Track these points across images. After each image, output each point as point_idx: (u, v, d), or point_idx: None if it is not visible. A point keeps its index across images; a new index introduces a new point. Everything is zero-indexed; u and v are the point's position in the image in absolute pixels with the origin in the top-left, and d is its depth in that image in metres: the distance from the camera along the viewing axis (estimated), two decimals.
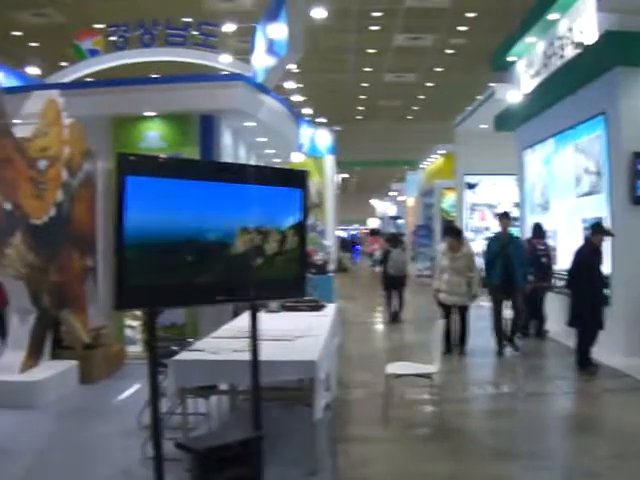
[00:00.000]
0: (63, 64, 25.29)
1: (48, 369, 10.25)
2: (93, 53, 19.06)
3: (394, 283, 18.37)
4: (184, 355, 7.17)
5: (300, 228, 6.13)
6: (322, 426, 7.10)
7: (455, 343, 12.97)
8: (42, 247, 10.24)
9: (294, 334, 7.98)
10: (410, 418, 9.05)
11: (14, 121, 10.34)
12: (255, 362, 5.96)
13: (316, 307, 10.22)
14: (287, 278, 6.16)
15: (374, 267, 34.96)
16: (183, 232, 5.36)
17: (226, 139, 14.16)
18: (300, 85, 33.64)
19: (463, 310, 13.15)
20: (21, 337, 10.23)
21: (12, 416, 9.09)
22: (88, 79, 18.21)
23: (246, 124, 14.68)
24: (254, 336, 5.94)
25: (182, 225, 5.35)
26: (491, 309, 13.42)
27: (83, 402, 10.03)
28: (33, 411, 9.33)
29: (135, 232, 5.08)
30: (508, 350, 13.08)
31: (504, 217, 13.84)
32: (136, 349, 12.75)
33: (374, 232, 47.75)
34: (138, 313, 12.12)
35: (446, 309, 13.07)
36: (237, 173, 6.16)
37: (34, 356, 10.32)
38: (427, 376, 8.68)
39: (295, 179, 6.29)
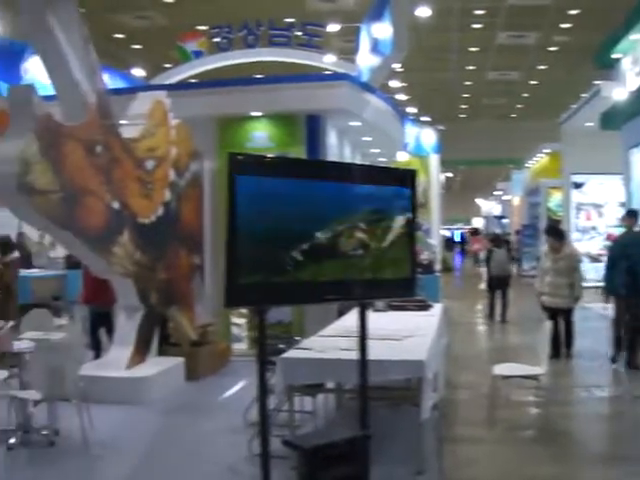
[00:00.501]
0: (166, 66, 25.67)
1: (155, 365, 10.39)
2: (197, 54, 19.31)
3: (497, 283, 18.16)
4: (292, 353, 7.18)
5: (409, 227, 6.08)
6: (429, 426, 7.04)
7: (562, 346, 12.59)
8: (150, 246, 10.40)
9: (402, 334, 7.92)
10: (515, 420, 8.90)
11: (121, 122, 10.54)
12: (363, 361, 5.93)
13: (423, 307, 10.13)
14: (397, 278, 6.11)
15: (478, 267, 34.65)
16: (292, 231, 5.38)
17: (331, 139, 14.15)
18: (404, 84, 33.55)
19: (567, 313, 12.64)
20: (128, 334, 10.38)
21: (119, 412, 9.21)
22: (192, 80, 18.44)
23: (351, 123, 14.65)
24: (363, 335, 5.90)
25: (291, 224, 5.37)
26: (613, 316, 12.47)
27: (189, 398, 10.17)
28: (140, 407, 9.46)
29: (245, 231, 5.12)
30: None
31: (630, 215, 12.71)
32: (242, 346, 12.85)
33: (475, 232, 47.30)
34: (244, 311, 12.24)
35: (551, 312, 12.61)
36: (346, 172, 6.15)
37: (141, 353, 10.46)
38: (533, 378, 8.53)
39: (404, 178, 6.25)
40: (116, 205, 9.57)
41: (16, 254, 13.42)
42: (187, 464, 7.50)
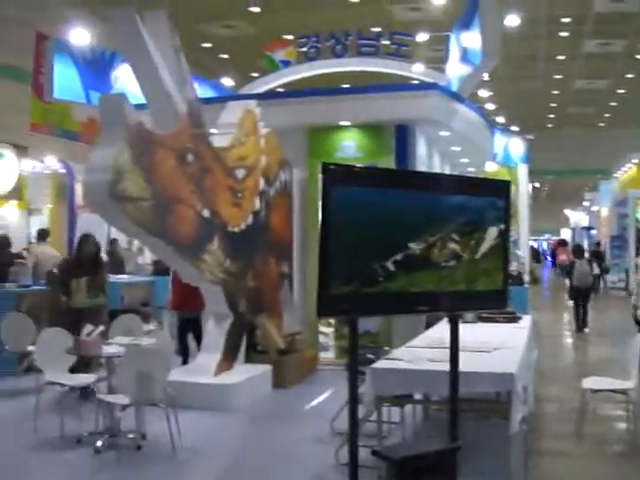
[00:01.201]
0: (254, 75, 25.85)
1: (242, 373, 10.43)
2: (285, 64, 19.35)
3: (579, 294, 17.91)
4: (382, 363, 7.14)
5: (503, 239, 6.01)
6: (517, 439, 6.94)
7: None
8: (239, 253, 10.45)
9: (492, 346, 7.81)
10: (604, 434, 8.75)
11: (211, 131, 10.63)
12: (454, 373, 5.88)
13: (513, 319, 10.00)
14: (489, 289, 6.04)
15: (563, 278, 34.25)
16: (385, 241, 5.37)
17: (421, 148, 14.06)
18: (491, 93, 33.30)
19: None
20: (216, 340, 10.46)
21: (207, 418, 9.30)
22: (280, 89, 18.53)
23: (441, 133, 14.56)
24: (454, 347, 5.86)
25: (384, 234, 5.35)
26: None
27: (276, 406, 10.19)
28: (227, 413, 9.52)
29: (338, 241, 5.14)
30: None
31: None
32: (329, 355, 12.85)
33: (562, 243, 46.70)
34: (332, 320, 12.24)
35: None
36: (439, 183, 6.14)
37: (229, 359, 10.52)
38: (623, 392, 8.37)
39: (499, 189, 6.20)
40: (206, 213, 9.65)
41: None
42: (273, 472, 7.52)
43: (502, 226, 6.00)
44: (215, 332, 10.57)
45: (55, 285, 11.52)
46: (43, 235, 16.23)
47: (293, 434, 8.81)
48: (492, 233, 5.91)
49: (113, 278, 13.91)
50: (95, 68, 20.28)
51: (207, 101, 12.00)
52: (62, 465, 7.67)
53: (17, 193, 23.01)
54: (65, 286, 10.69)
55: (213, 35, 28.07)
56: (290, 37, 20.91)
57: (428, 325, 10.10)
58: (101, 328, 9.18)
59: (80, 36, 22.32)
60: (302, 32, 18.89)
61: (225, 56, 30.82)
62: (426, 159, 14.74)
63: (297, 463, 7.75)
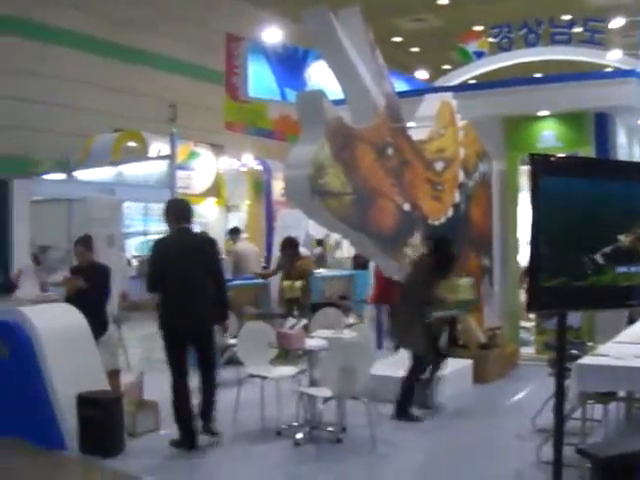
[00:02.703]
0: (445, 67, 25.68)
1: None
2: (479, 55, 19.15)
3: None
4: (588, 359, 6.92)
5: None
6: None
7: None
8: None
9: None
10: None
11: (408, 124, 10.60)
12: None
13: None
14: None
15: None
16: (595, 233, 5.23)
17: (621, 138, 13.56)
18: None
19: None
20: None
21: None
22: (472, 81, 18.35)
23: None
24: None
25: (594, 226, 5.21)
26: None
27: (477, 401, 10.09)
28: (426, 408, 9.43)
29: (547, 233, 5.01)
30: None
31: None
32: (529, 350, 12.59)
33: None
34: (532, 315, 12.01)
35: None
36: None
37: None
38: None
39: None
40: (407, 207, 9.64)
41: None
42: (472, 467, 7.45)
43: None
44: None
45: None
46: (235, 232, 16.65)
47: (493, 430, 8.70)
48: None
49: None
50: (288, 66, 20.65)
51: (403, 94, 11.97)
52: (262, 457, 7.83)
53: (215, 190, 23.71)
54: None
55: (403, 29, 28.11)
56: (480, 28, 20.69)
57: (631, 320, 9.77)
58: (304, 321, 9.29)
59: (272, 35, 22.77)
60: (491, 22, 18.68)
61: (415, 49, 30.79)
62: (627, 148, 14.20)
63: (497, 459, 7.65)
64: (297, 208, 9.14)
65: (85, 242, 9.91)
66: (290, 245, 12.40)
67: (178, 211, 8.37)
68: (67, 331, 8.46)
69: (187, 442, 7.97)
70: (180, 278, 7.97)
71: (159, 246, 8.35)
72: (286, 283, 12.31)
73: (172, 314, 8.08)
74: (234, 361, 10.39)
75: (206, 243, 8.53)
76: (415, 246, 9.78)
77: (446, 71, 23.01)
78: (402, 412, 8.99)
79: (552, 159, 5.41)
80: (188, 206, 8.62)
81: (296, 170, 8.33)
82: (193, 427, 8.02)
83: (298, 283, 12.27)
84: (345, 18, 9.37)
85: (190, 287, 7.98)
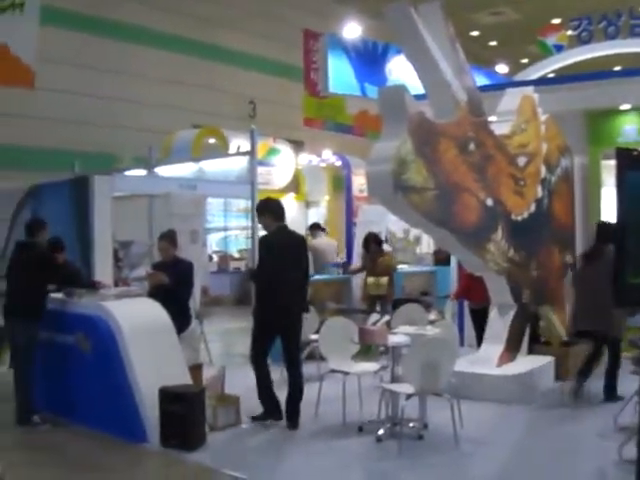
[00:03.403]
0: (523, 61, 25.43)
1: (525, 364, 10.24)
2: (558, 48, 18.94)
3: None
4: None
5: None
6: None
7: None
8: (522, 243, 10.27)
9: None
10: None
11: (490, 119, 10.51)
12: None
13: None
14: None
15: None
16: None
17: None
18: None
19: None
20: (499, 331, 10.35)
21: (488, 409, 9.23)
22: (552, 75, 18.16)
23: None
24: None
25: None
26: None
27: (558, 399, 9.86)
28: (510, 405, 9.39)
29: (634, 228, 4.91)
30: None
31: None
32: None
33: None
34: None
35: None
36: None
37: (512, 351, 10.38)
38: None
39: None
40: (490, 202, 9.53)
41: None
42: (554, 465, 7.38)
43: None
44: (499, 323, 10.44)
45: None
46: (316, 228, 16.73)
47: (575, 428, 8.59)
48: None
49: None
50: (368, 61, 20.65)
51: (484, 89, 11.87)
52: (344, 452, 7.82)
53: (295, 186, 23.79)
54: None
55: (481, 23, 27.92)
56: (558, 21, 20.46)
57: None
58: (387, 317, 9.26)
59: (352, 30, 22.79)
60: (569, 15, 18.46)
61: (493, 43, 30.57)
62: None
63: (579, 457, 7.56)
64: (379, 204, 9.12)
65: (170, 237, 10.05)
66: (374, 241, 12.38)
67: (277, 210, 8.89)
68: (150, 326, 8.60)
69: (275, 413, 8.62)
70: (282, 273, 8.58)
71: (267, 242, 8.89)
72: (371, 280, 12.29)
73: (270, 304, 8.67)
74: (315, 356, 10.44)
75: (301, 241, 9.17)
76: (498, 241, 9.69)
77: (524, 65, 22.82)
78: (610, 394, 9.44)
79: (635, 154, 5.29)
80: (282, 205, 9.09)
81: (379, 165, 8.31)
82: (277, 398, 8.66)
83: (384, 279, 12.25)
84: (426, 13, 9.31)
85: (289, 281, 8.61)
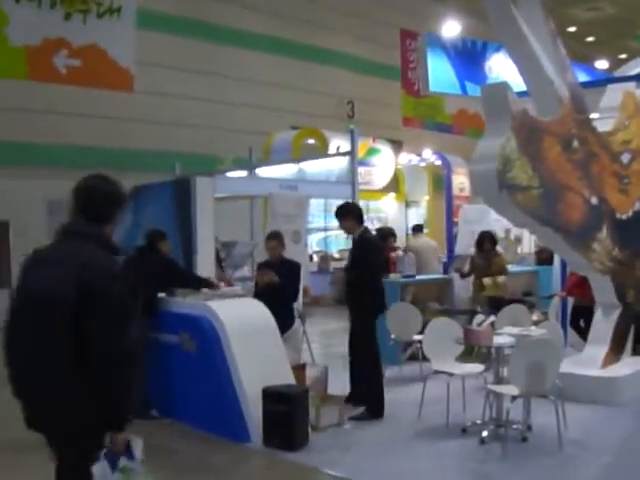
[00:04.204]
0: (622, 56, 24.97)
1: (630, 365, 10.05)
2: None
3: None
4: None
5: None
6: None
7: None
8: (627, 242, 10.09)
9: None
10: None
11: (592, 115, 10.34)
12: None
13: None
14: None
15: None
16: None
17: None
18: None
19: None
20: (604, 332, 10.17)
21: (592, 411, 9.06)
22: None
23: None
24: None
25: None
26: None
27: None
28: (614, 407, 9.20)
29: None
30: None
31: None
32: None
33: None
34: None
35: None
36: None
37: (616, 351, 10.18)
38: None
39: None
40: (594, 200, 9.41)
41: None
42: None
43: None
44: (603, 323, 10.26)
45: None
46: (418, 229, 16.71)
47: None
48: None
49: None
50: (468, 59, 20.50)
51: (584, 85, 11.69)
52: (447, 454, 7.78)
53: (395, 186, 23.78)
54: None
55: (578, 18, 27.54)
56: None
57: None
58: (492, 318, 9.17)
59: (451, 29, 22.67)
60: None
61: (591, 39, 30.14)
62: None
63: None
64: (483, 203, 9.08)
65: (278, 237, 10.18)
66: (489, 240, 12.25)
67: (359, 213, 9.25)
68: (254, 326, 8.68)
69: (378, 413, 8.88)
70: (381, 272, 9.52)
71: (370, 242, 9.30)
72: (487, 280, 12.13)
73: (380, 303, 9.25)
74: (417, 357, 10.43)
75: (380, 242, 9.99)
76: (603, 240, 9.53)
77: (623, 60, 22.39)
78: None
79: None
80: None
81: (483, 164, 8.27)
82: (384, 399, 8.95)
83: (502, 279, 12.10)
84: (525, 8, 9.24)
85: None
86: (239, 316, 8.69)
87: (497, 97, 8.43)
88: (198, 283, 9.81)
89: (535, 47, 8.95)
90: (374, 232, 12.08)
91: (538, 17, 9.28)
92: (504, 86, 8.52)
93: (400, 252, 14.81)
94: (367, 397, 8.93)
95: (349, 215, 9.09)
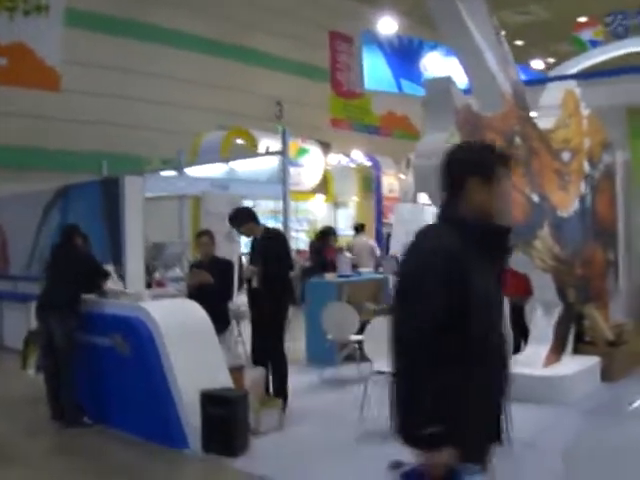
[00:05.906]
0: (549, 60, 25.26)
1: (571, 364, 9.98)
2: (594, 44, 18.84)
3: None
4: None
5: None
6: None
7: None
8: (567, 240, 10.07)
9: None
10: None
11: (532, 114, 10.32)
12: None
13: None
14: None
15: None
16: None
17: None
18: None
19: None
20: (545, 331, 10.12)
21: (535, 411, 8.84)
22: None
23: None
24: None
25: None
26: None
27: (605, 401, 9.62)
28: (557, 407, 9.09)
29: None
30: None
31: None
32: None
33: None
34: None
35: None
36: None
37: (557, 351, 10.14)
38: None
39: None
40: (536, 198, 9.36)
41: None
42: (606, 469, 7.01)
43: None
44: (543, 322, 10.24)
45: None
46: (359, 229, 16.67)
47: (624, 431, 8.23)
48: None
49: None
50: (404, 57, 20.52)
51: (525, 83, 11.69)
52: (391, 456, 7.56)
53: (324, 187, 23.66)
54: None
55: (508, 22, 27.85)
56: (584, 19, 20.39)
57: None
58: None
59: (387, 25, 22.63)
60: (601, 13, 18.39)
61: (519, 43, 30.57)
62: None
63: (630, 462, 7.18)
64: (428, 198, 8.96)
65: (209, 233, 9.98)
66: None
67: (254, 214, 9.47)
68: (189, 327, 8.41)
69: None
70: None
71: (280, 236, 9.71)
72: None
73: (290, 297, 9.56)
74: (352, 358, 10.28)
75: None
76: (544, 238, 9.47)
77: (553, 65, 22.64)
78: None
79: None
80: None
81: (427, 160, 8.13)
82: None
83: None
84: (469, 1, 9.13)
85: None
86: (174, 317, 8.40)
87: (440, 91, 8.32)
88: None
89: (479, 41, 8.86)
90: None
91: (482, 11, 9.18)
92: (448, 80, 8.42)
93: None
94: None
95: (246, 219, 9.22)
